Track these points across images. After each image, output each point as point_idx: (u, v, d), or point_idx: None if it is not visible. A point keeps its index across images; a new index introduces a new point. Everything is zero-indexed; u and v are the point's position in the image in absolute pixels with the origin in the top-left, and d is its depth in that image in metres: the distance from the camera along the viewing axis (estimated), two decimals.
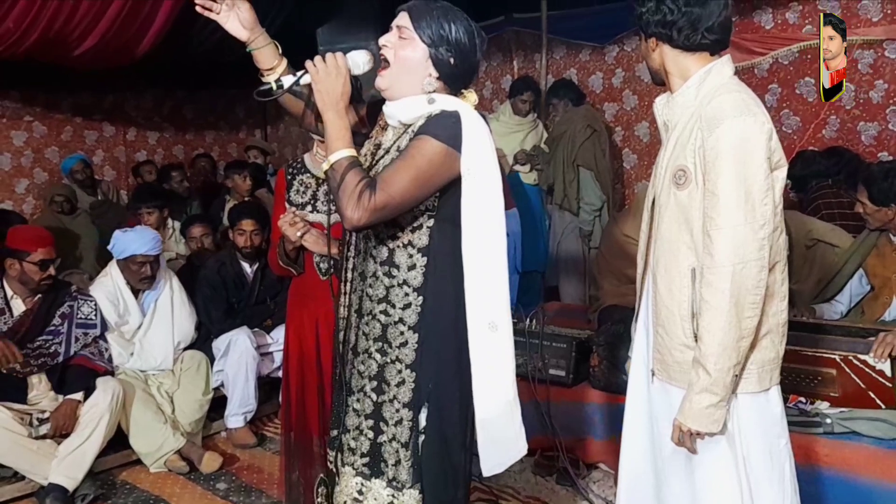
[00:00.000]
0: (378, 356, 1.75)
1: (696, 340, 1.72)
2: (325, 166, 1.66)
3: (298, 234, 2.51)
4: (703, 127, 1.71)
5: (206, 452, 3.64)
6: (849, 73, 4.44)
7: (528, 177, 5.25)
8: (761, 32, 4.87)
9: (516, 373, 1.73)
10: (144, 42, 4.66)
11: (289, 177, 2.73)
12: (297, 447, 2.82)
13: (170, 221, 5.36)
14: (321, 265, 2.64)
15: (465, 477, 1.80)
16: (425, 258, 1.71)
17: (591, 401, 3.16)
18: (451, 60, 1.70)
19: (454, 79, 1.73)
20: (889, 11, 4.33)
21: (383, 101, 1.79)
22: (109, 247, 3.89)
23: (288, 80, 1.75)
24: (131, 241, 3.79)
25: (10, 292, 3.48)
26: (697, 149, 1.72)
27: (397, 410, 1.72)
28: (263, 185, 6.00)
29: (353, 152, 1.65)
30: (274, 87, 1.75)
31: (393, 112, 1.75)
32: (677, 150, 1.79)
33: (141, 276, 3.80)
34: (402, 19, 1.71)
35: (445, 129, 1.64)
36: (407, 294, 1.71)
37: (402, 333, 1.72)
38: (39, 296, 3.51)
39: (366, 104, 1.97)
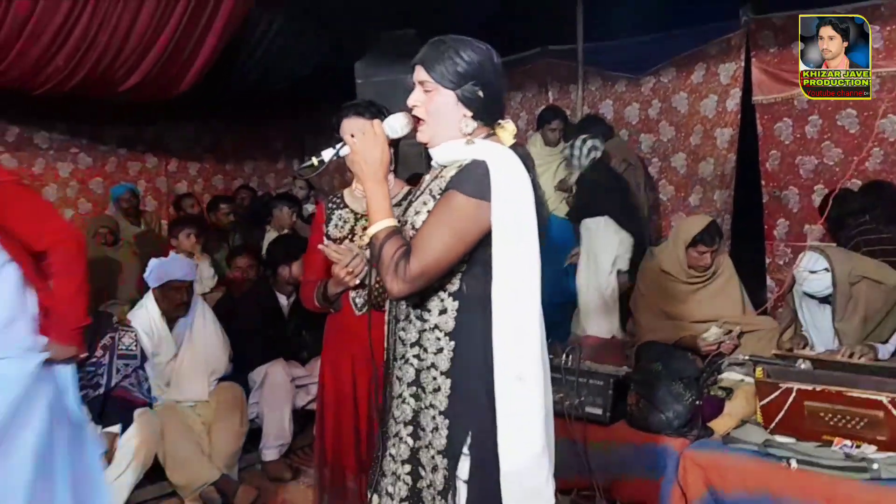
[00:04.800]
0: (412, 401, 1.74)
1: None
2: (366, 239, 1.71)
3: (356, 281, 2.45)
4: None
5: (240, 485, 3.65)
6: (892, 105, 4.38)
7: (559, 209, 5.23)
8: None
9: (553, 410, 1.72)
10: (188, 77, 4.77)
11: (328, 211, 2.74)
12: (332, 483, 2.80)
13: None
14: (356, 300, 2.63)
15: None
16: (457, 302, 1.68)
17: (628, 440, 3.10)
18: (480, 93, 1.69)
19: (487, 111, 1.72)
20: None
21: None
22: (145, 275, 3.93)
23: (328, 154, 1.80)
24: (167, 267, 3.86)
25: None
26: None
27: (433, 457, 1.70)
28: (301, 217, 6.07)
29: (390, 223, 1.68)
30: (315, 162, 1.81)
31: (435, 158, 1.76)
32: None
33: (177, 302, 3.85)
34: (420, 73, 1.72)
35: (473, 181, 1.62)
36: (439, 339, 1.69)
37: (434, 379, 1.70)
38: None
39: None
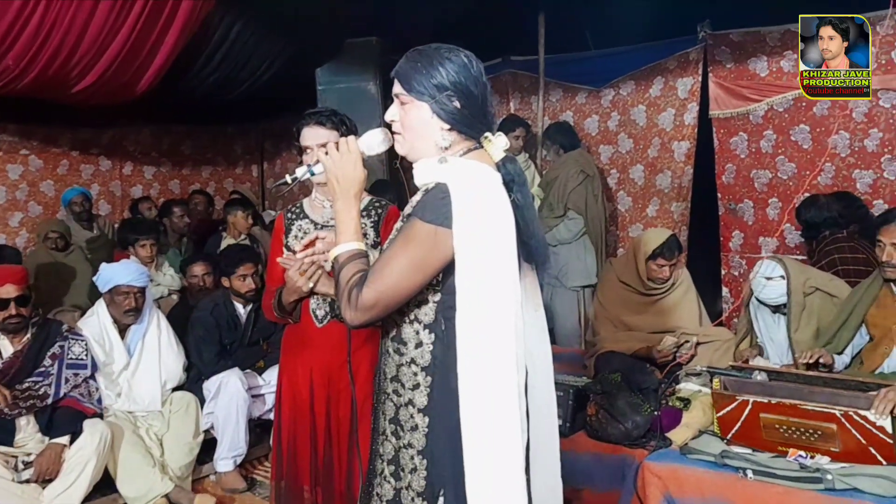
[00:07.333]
0: (393, 439, 1.66)
1: None
2: (331, 262, 1.66)
3: (311, 284, 2.30)
4: None
5: (195, 496, 3.57)
6: (844, 122, 4.49)
7: None
8: (756, 80, 4.92)
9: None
10: (144, 81, 4.66)
11: (287, 222, 2.70)
12: (288, 495, 2.76)
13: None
14: (317, 312, 2.59)
15: None
16: (432, 335, 1.58)
17: (587, 450, 3.11)
18: (457, 104, 1.59)
19: (468, 123, 1.62)
20: (883, 62, 4.38)
21: None
22: (95, 278, 3.87)
23: (301, 172, 1.77)
24: (116, 271, 3.78)
25: None
26: None
27: (412, 500, 1.61)
28: (256, 223, 6.00)
29: (353, 246, 1.62)
30: (289, 180, 1.79)
31: (415, 178, 1.67)
32: None
33: (126, 307, 3.76)
34: (396, 87, 1.64)
35: (433, 207, 1.52)
36: (415, 374, 1.60)
37: (412, 416, 1.60)
38: (29, 336, 3.46)
39: None
